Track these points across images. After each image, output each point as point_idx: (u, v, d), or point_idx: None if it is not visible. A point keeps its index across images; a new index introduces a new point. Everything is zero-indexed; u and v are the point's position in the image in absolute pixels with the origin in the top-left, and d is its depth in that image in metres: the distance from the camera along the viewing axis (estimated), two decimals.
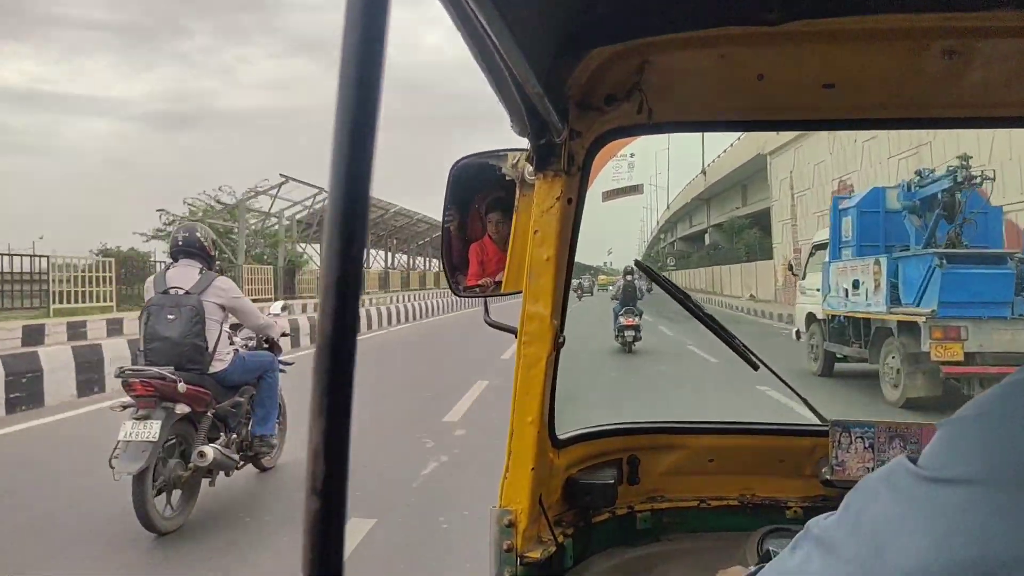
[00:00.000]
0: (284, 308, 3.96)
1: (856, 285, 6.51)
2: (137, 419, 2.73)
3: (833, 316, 7.12)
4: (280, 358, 3.60)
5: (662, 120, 0.81)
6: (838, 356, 7.28)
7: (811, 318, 7.79)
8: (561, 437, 0.93)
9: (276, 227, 21.93)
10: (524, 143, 0.80)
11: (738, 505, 1.02)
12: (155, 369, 2.81)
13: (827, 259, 7.34)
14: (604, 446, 1.00)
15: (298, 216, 22.61)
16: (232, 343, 3.30)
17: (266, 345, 3.57)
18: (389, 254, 33.50)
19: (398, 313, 15.81)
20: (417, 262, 38.15)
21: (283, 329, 3.64)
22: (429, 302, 19.77)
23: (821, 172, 17.42)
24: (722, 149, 27.26)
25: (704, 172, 31.76)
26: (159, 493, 2.83)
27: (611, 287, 10.36)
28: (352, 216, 0.20)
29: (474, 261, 0.94)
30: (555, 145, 0.77)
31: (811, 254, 8.42)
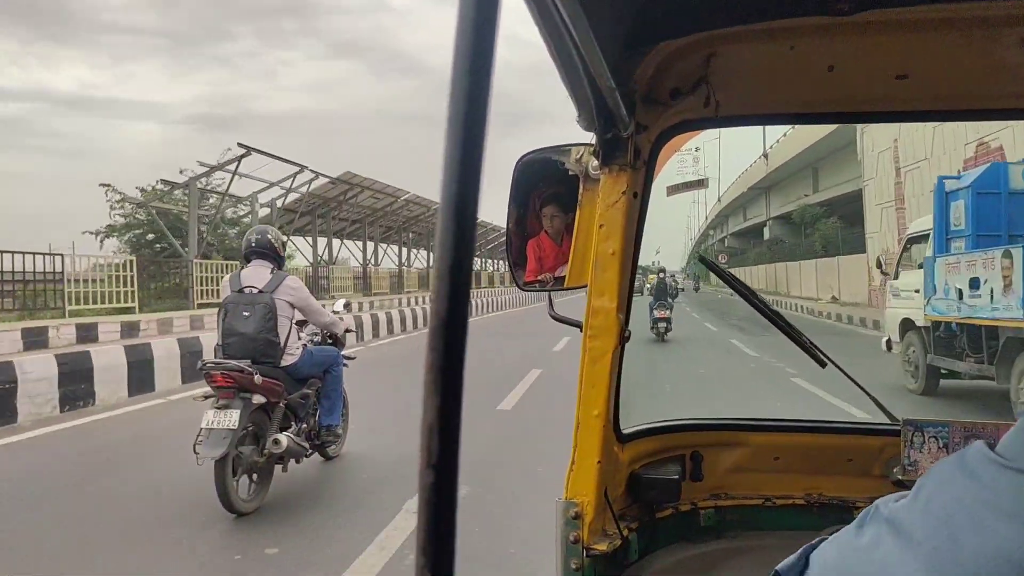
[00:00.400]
0: (346, 306, 4.62)
1: (975, 285, 5.95)
2: (218, 408, 3.21)
3: (939, 323, 6.52)
4: (343, 353, 4.09)
5: (729, 113, 0.88)
6: (943, 371, 6.53)
7: (907, 325, 7.20)
8: (625, 432, 1.01)
9: (248, 215, 18.95)
10: (586, 137, 0.87)
11: (804, 504, 1.08)
12: (234, 362, 3.28)
13: (929, 253, 6.74)
14: (667, 442, 1.09)
15: (279, 201, 19.54)
16: (300, 338, 3.77)
17: (330, 341, 4.07)
18: (404, 249, 30.91)
19: (392, 321, 13.39)
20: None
21: (347, 326, 4.16)
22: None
23: (945, 137, 15.05)
24: (788, 129, 25.46)
25: (765, 156, 29.98)
26: (238, 477, 3.30)
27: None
28: (463, 208, 0.24)
29: (531, 257, 1.04)
30: (621, 139, 0.84)
31: (904, 248, 7.76)
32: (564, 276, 1.00)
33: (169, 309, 14.65)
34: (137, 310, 14.28)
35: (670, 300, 11.10)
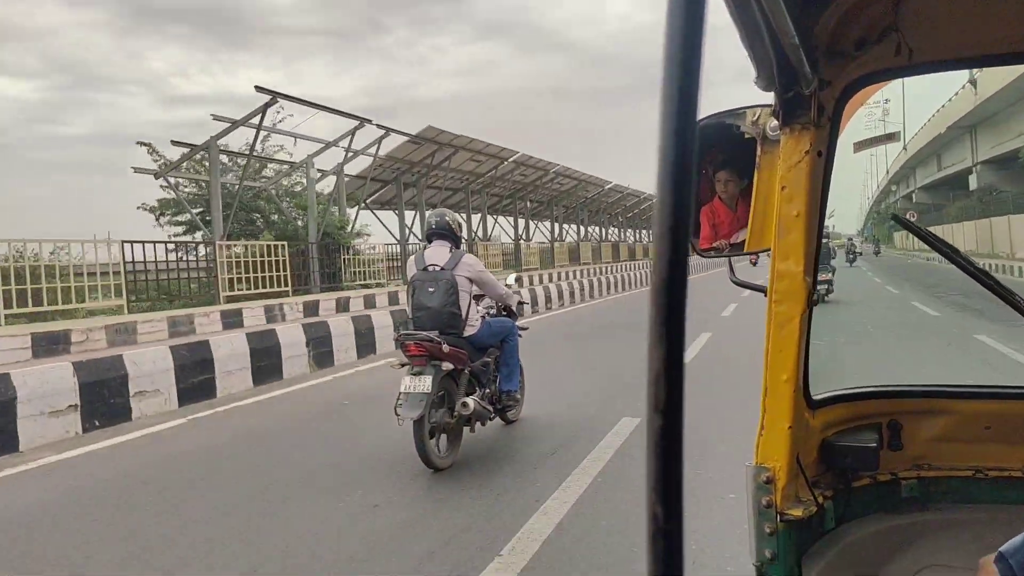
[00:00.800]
0: (517, 279, 5.38)
1: None
2: (413, 375, 3.84)
3: None
4: (517, 324, 4.62)
5: (923, 60, 0.85)
6: None
7: None
8: (815, 397, 1.04)
9: (304, 187, 15.42)
10: (761, 99, 0.90)
11: (1022, 477, 1.06)
12: (425, 333, 3.90)
13: None
14: (862, 409, 1.10)
15: (350, 167, 15.65)
16: (478, 311, 4.32)
17: (504, 312, 4.65)
18: (522, 220, 27.31)
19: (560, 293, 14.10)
20: (590, 232, 34.13)
21: (521, 299, 4.71)
22: (598, 278, 17.68)
23: None
24: None
25: (973, 83, 24.41)
26: (436, 438, 3.92)
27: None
28: (680, 171, 0.27)
29: (705, 224, 1.10)
30: (803, 97, 0.86)
31: None
32: (740, 242, 1.06)
33: (200, 304, 11.82)
34: (126, 310, 11.03)
35: (832, 264, 13.14)
